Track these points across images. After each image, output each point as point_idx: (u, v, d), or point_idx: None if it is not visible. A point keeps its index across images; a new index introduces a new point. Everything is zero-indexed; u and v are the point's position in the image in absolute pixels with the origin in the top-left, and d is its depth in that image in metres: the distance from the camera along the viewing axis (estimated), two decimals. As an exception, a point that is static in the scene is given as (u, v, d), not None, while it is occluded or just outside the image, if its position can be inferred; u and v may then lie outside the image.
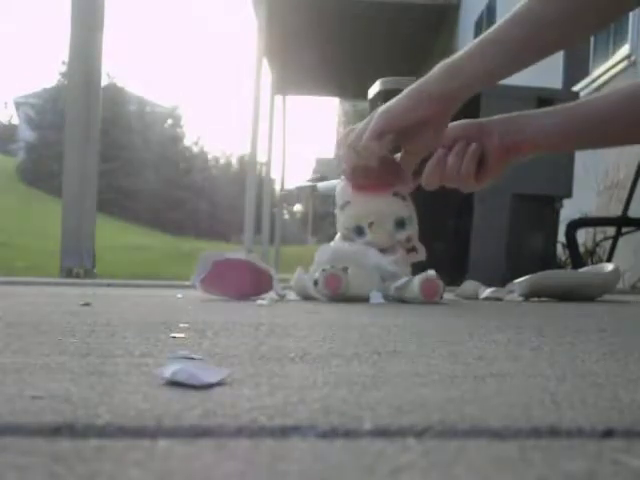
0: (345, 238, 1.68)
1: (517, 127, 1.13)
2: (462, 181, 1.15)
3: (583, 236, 4.27)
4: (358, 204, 1.64)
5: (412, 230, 1.67)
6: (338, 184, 1.68)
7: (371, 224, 1.64)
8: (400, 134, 1.19)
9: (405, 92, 1.16)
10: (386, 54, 10.14)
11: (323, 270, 1.55)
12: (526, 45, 1.07)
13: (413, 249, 1.69)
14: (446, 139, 1.17)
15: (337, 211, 1.70)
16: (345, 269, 1.57)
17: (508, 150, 1.13)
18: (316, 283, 1.55)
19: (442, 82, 1.11)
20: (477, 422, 0.40)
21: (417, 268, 1.71)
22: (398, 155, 1.28)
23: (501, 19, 1.09)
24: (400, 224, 1.66)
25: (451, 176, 1.15)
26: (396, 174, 1.51)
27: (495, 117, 1.17)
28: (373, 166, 1.38)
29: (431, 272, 1.64)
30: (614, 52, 4.97)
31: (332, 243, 1.71)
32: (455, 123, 1.18)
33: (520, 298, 1.92)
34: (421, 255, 1.70)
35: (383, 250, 1.65)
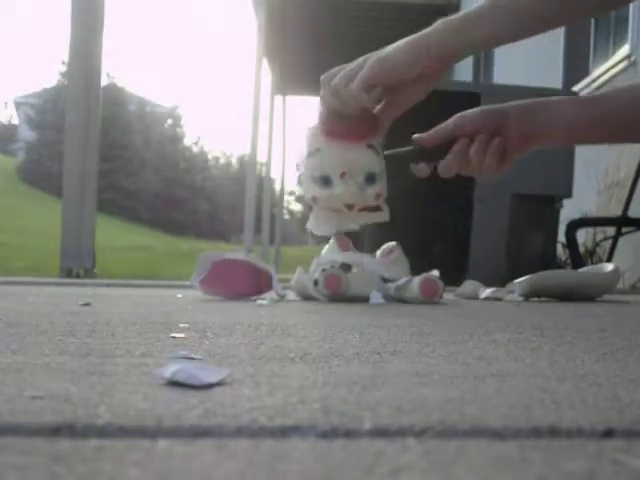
0: (308, 189, 1.59)
1: (536, 118, 1.13)
2: (483, 173, 1.15)
3: (583, 236, 4.27)
4: (330, 152, 1.56)
5: (382, 186, 1.61)
6: (308, 130, 1.61)
7: (343, 174, 1.56)
8: (388, 87, 1.18)
9: (402, 45, 1.14)
10: (386, 54, 10.12)
11: (323, 270, 1.55)
12: (530, 13, 1.07)
13: (378, 208, 1.62)
14: (467, 129, 1.15)
15: (304, 159, 1.62)
16: (345, 269, 1.57)
17: (527, 140, 1.14)
18: (316, 283, 1.55)
19: (443, 40, 1.10)
20: (477, 422, 0.40)
21: (418, 268, 1.71)
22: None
23: None
24: (371, 178, 1.58)
25: (473, 169, 1.15)
26: (373, 126, 1.49)
27: (514, 104, 1.15)
28: (351, 114, 1.36)
29: (434, 272, 1.64)
30: (614, 52, 4.97)
31: (323, 252, 1.68)
32: (475, 112, 1.16)
33: (520, 298, 1.91)
34: (385, 215, 1.65)
35: (375, 249, 1.62)
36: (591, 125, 1.13)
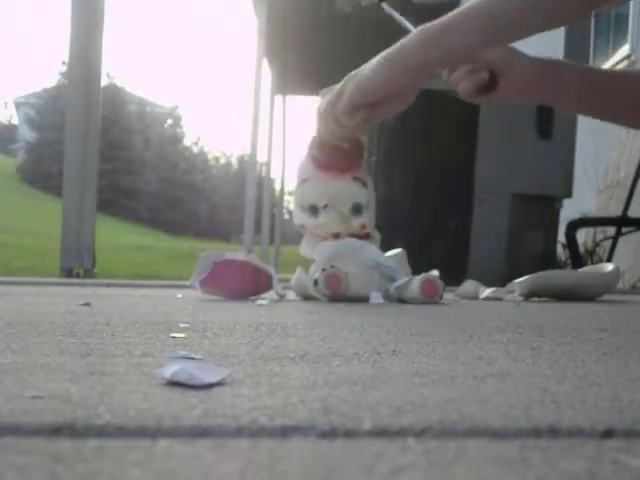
0: (297, 216, 1.62)
1: (544, 83, 1.09)
2: (460, 93, 1.12)
3: (583, 236, 4.27)
4: (317, 183, 1.58)
5: (368, 217, 1.63)
6: (301, 160, 1.63)
7: (325, 206, 1.59)
8: (371, 104, 1.18)
9: (379, 61, 1.11)
10: (386, 54, 10.12)
11: (323, 270, 1.55)
12: (507, 20, 1.04)
13: (367, 236, 1.65)
14: (477, 60, 1.10)
15: (295, 187, 1.65)
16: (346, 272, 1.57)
17: (524, 93, 1.12)
18: (316, 283, 1.55)
19: (421, 51, 1.06)
20: (477, 422, 0.40)
21: (418, 268, 1.71)
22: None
23: None
24: (357, 210, 1.61)
25: (451, 83, 1.12)
26: (359, 159, 1.50)
27: (530, 59, 1.11)
28: (339, 146, 1.37)
29: (433, 272, 1.64)
30: (614, 52, 4.97)
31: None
32: (492, 51, 1.11)
33: (520, 298, 1.91)
34: (375, 242, 1.68)
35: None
36: (594, 100, 1.12)
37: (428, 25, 1.07)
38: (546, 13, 1.04)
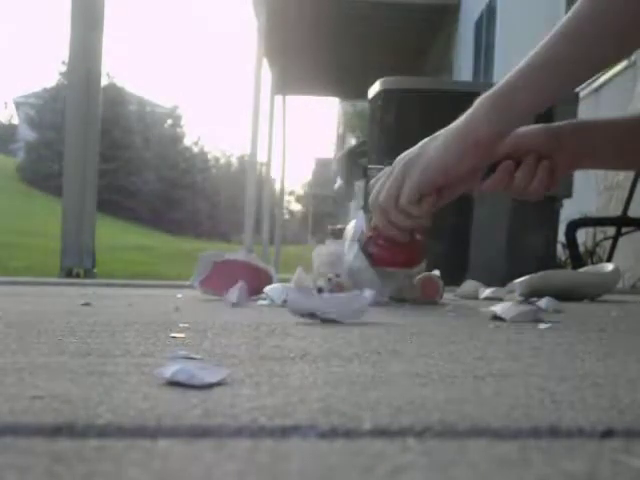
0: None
1: (590, 145, 1.06)
2: (529, 195, 1.07)
3: (583, 236, 4.27)
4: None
5: None
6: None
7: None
8: (438, 189, 1.09)
9: (445, 140, 1.02)
10: (386, 54, 10.14)
11: (329, 280, 1.54)
12: (587, 61, 0.94)
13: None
14: (521, 151, 1.06)
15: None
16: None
17: (577, 162, 1.08)
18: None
19: (491, 122, 0.97)
20: (477, 422, 0.40)
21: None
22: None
23: (549, 36, 0.94)
24: None
25: (518, 190, 1.07)
26: (421, 252, 1.40)
27: (566, 126, 1.08)
28: (401, 242, 1.25)
29: (434, 272, 1.64)
30: (614, 52, 4.96)
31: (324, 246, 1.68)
32: (526, 132, 1.07)
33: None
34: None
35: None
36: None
37: (487, 93, 0.97)
38: (602, 52, 0.93)
